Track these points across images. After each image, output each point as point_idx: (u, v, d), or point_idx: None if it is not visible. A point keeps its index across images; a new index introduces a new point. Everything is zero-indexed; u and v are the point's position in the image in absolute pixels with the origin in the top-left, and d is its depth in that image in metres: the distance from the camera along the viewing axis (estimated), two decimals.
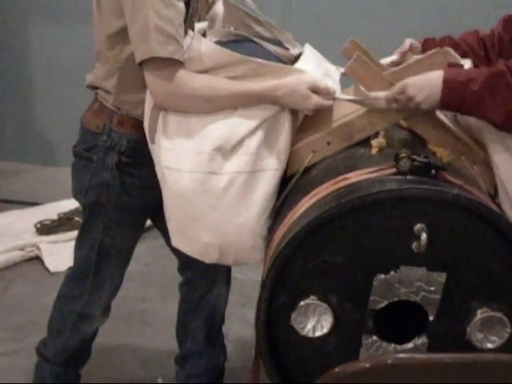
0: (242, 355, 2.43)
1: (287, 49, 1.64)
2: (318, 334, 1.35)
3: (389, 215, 1.28)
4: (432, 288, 1.31)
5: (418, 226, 1.27)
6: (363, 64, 1.58)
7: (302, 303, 1.33)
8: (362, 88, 1.58)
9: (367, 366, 1.17)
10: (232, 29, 1.62)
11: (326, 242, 1.31)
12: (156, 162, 1.56)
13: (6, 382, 2.25)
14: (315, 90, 1.50)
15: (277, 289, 1.34)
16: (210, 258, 1.55)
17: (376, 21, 3.51)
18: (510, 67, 1.37)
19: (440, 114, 1.58)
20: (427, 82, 1.43)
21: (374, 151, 1.45)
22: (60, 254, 3.11)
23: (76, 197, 1.78)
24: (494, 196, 1.52)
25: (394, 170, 1.33)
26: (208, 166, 1.46)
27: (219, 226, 1.49)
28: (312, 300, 1.33)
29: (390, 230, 1.28)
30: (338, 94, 1.56)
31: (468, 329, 1.33)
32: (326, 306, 1.33)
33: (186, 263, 1.92)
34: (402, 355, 1.22)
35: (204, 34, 1.65)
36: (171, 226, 1.58)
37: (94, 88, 1.70)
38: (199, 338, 1.99)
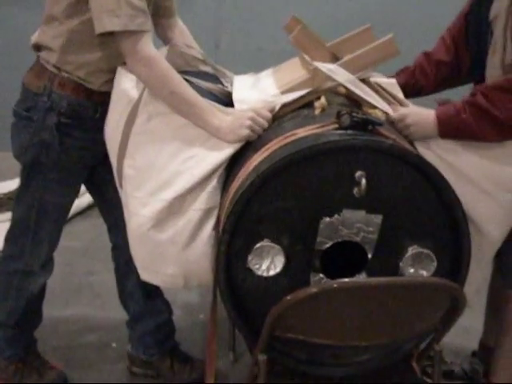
0: (191, 318, 2.57)
1: (225, 86, 1.79)
2: (271, 273, 1.50)
3: (332, 164, 1.45)
4: (370, 229, 1.49)
5: (358, 173, 1.44)
6: (307, 35, 1.75)
7: (257, 245, 1.48)
8: (306, 58, 1.75)
9: (315, 290, 1.34)
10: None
11: (278, 189, 1.46)
12: (123, 205, 1.72)
13: None
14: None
15: (235, 233, 1.48)
16: (176, 285, 1.74)
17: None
18: (484, 93, 1.58)
19: (372, 80, 1.78)
20: (424, 119, 1.63)
21: (317, 111, 1.62)
22: (1, 233, 3.13)
23: (16, 156, 1.86)
24: None
25: (336, 125, 1.50)
26: (169, 210, 1.62)
27: (180, 259, 1.66)
28: (266, 242, 1.48)
29: (334, 177, 1.46)
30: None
31: (401, 264, 1.52)
32: (278, 247, 1.48)
33: (112, 227, 2.06)
34: (346, 279, 1.39)
35: None
36: (137, 263, 1.75)
37: (37, 49, 1.78)
38: (138, 298, 2.10)
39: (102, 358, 2.32)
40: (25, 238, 1.92)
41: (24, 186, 1.87)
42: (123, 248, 1.88)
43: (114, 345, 2.39)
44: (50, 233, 1.93)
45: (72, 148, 1.78)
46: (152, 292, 2.07)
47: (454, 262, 1.54)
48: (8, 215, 3.25)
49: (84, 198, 3.42)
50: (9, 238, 1.98)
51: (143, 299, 2.10)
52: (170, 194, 1.61)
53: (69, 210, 1.98)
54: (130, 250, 1.75)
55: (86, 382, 2.17)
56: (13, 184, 3.51)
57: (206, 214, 1.64)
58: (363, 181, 1.43)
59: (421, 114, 1.66)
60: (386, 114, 1.67)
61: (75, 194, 1.94)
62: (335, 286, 1.38)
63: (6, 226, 3.16)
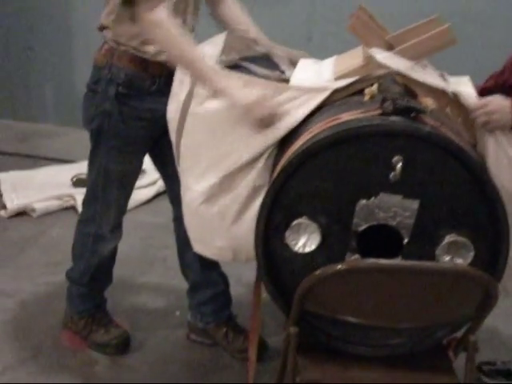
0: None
1: (283, 72, 1.87)
2: (307, 250, 1.57)
3: (371, 147, 1.49)
4: (407, 213, 1.52)
5: (395, 158, 1.48)
6: (365, 24, 1.79)
7: (295, 222, 1.55)
8: (363, 46, 1.79)
9: (344, 267, 1.40)
10: (223, 57, 1.88)
11: (317, 168, 1.52)
12: (180, 181, 1.84)
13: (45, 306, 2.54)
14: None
15: (274, 209, 1.56)
16: (225, 258, 1.84)
17: None
18: None
19: (431, 70, 1.78)
20: (506, 107, 1.64)
21: (366, 98, 1.66)
22: None
23: (85, 125, 2.04)
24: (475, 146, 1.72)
25: (379, 111, 1.54)
26: (219, 186, 1.73)
27: (229, 233, 1.76)
28: (304, 219, 1.55)
29: (372, 160, 1.50)
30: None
31: (437, 251, 1.53)
32: (315, 225, 1.55)
33: (173, 200, 2.17)
34: (374, 260, 1.43)
35: None
36: (191, 235, 1.88)
37: (101, 29, 1.97)
38: (196, 269, 2.24)
39: (165, 324, 2.48)
40: (95, 202, 2.10)
41: (92, 153, 2.06)
42: (183, 220, 1.99)
43: (177, 313, 2.54)
44: (116, 199, 2.10)
45: (130, 117, 1.94)
46: (209, 264, 2.18)
47: (493, 254, 1.53)
48: None
49: None
50: (84, 202, 2.20)
51: (201, 270, 2.23)
52: (220, 172, 1.71)
53: (133, 178, 2.12)
54: (185, 223, 1.87)
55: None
56: None
57: (255, 191, 1.72)
58: (399, 165, 1.46)
59: (503, 101, 1.65)
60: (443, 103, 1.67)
61: (137, 163, 2.09)
62: (364, 265, 1.42)
63: None
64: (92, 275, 2.23)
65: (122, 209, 2.17)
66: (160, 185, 3.58)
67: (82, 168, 3.68)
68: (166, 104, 1.86)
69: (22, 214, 3.32)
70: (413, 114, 1.51)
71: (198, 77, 1.73)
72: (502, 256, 1.51)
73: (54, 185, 3.52)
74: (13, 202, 3.31)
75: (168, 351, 2.32)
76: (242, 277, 2.72)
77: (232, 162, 1.71)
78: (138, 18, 1.77)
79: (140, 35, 1.86)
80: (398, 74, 1.72)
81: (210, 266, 2.22)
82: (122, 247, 3.00)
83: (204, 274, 2.25)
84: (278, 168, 1.61)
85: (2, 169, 3.71)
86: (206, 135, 1.73)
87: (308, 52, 2.01)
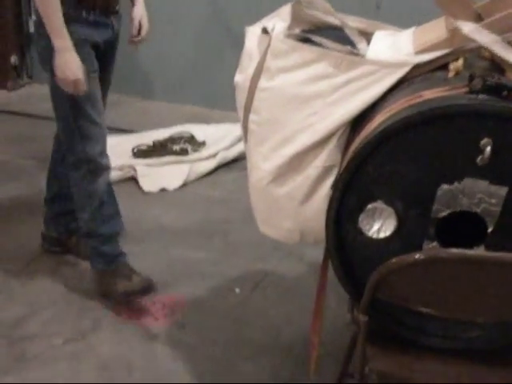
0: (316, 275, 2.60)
1: (355, 47, 1.76)
2: (382, 235, 1.48)
3: (457, 129, 1.38)
4: (493, 200, 1.40)
5: (484, 141, 1.36)
6: None
7: (369, 206, 1.46)
8: (448, 18, 1.66)
9: (422, 257, 1.30)
10: (297, 30, 1.81)
11: (396, 150, 1.42)
12: (247, 158, 1.79)
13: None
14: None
15: (348, 191, 1.47)
16: (293, 240, 1.78)
17: None
18: None
19: None
20: None
21: (450, 74, 1.54)
22: (153, 176, 3.37)
23: (41, 63, 2.22)
24: None
25: (466, 89, 1.42)
26: (288, 165, 1.65)
27: (297, 214, 1.69)
28: (379, 204, 1.46)
29: (458, 142, 1.39)
30: None
31: None
32: (391, 210, 1.45)
33: None
34: (457, 250, 1.33)
35: None
36: (257, 215, 1.81)
37: None
38: (63, 183, 2.43)
39: (224, 302, 2.43)
40: (73, 135, 2.23)
41: (52, 90, 2.20)
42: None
43: (237, 290, 2.49)
44: (87, 128, 2.21)
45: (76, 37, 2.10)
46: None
47: None
48: (160, 160, 3.50)
49: (230, 152, 3.58)
50: (65, 144, 2.29)
51: (66, 184, 2.39)
52: (290, 150, 1.63)
53: (92, 97, 2.20)
54: (251, 203, 1.80)
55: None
56: (167, 132, 3.74)
57: (326, 171, 1.64)
58: (488, 149, 1.35)
59: None
60: None
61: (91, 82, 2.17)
62: (445, 255, 1.32)
63: (157, 169, 3.44)
64: (99, 223, 2.33)
65: (101, 129, 2.27)
66: (221, 157, 3.53)
67: (142, 139, 3.68)
68: (102, 33, 2.19)
69: None
70: (504, 93, 1.39)
71: (51, 30, 2.03)
72: None
73: (114, 155, 3.50)
74: None
75: (226, 329, 2.28)
76: (304, 256, 2.66)
77: (303, 140, 1.62)
78: None
79: None
80: (486, 48, 1.58)
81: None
82: (181, 221, 3.01)
83: (67, 188, 2.38)
84: (353, 148, 1.52)
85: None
86: (277, 111, 1.65)
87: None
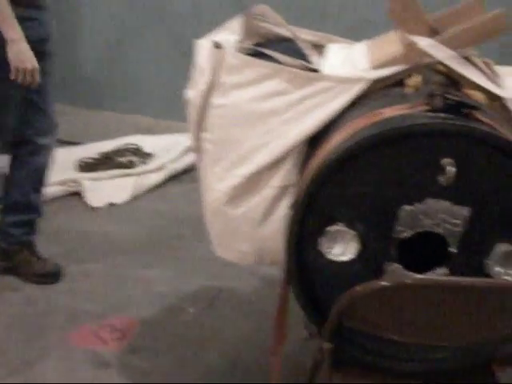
0: (270, 290, 2.53)
1: (306, 58, 1.71)
2: (343, 258, 1.43)
3: (419, 148, 1.34)
4: (455, 221, 1.37)
5: (445, 160, 1.33)
6: (405, 6, 1.63)
7: (330, 229, 1.41)
8: (403, 31, 1.63)
9: (388, 284, 1.26)
10: (248, 43, 1.76)
11: (357, 171, 1.38)
12: (201, 178, 1.71)
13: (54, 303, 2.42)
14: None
15: (307, 213, 1.42)
16: (249, 262, 1.73)
17: None
18: None
19: (477, 60, 1.62)
20: None
21: (408, 90, 1.50)
22: (100, 191, 3.25)
23: None
24: None
25: (426, 106, 1.38)
26: (244, 186, 1.60)
27: (254, 236, 1.64)
28: (340, 226, 1.41)
29: (419, 163, 1.35)
30: None
31: (487, 262, 1.39)
32: (353, 232, 1.40)
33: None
34: (420, 276, 1.29)
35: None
36: (212, 237, 1.75)
37: None
38: (23, 191, 2.46)
39: (176, 322, 2.34)
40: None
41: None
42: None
43: (190, 310, 2.41)
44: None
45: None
46: (34, 189, 2.48)
47: None
48: (107, 173, 3.38)
49: (178, 163, 3.49)
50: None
51: (26, 193, 2.46)
52: (246, 169, 1.57)
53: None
54: (206, 224, 1.73)
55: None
56: (114, 144, 3.62)
57: (282, 191, 1.59)
58: (451, 169, 1.31)
59: None
60: (492, 96, 1.53)
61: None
62: (409, 281, 1.28)
63: (104, 183, 3.32)
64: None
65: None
66: (169, 169, 3.44)
67: (88, 151, 3.55)
68: (34, 29, 2.20)
69: None
70: (465, 111, 1.36)
71: (3, 22, 2.09)
72: None
73: (57, 169, 3.36)
74: None
75: (181, 352, 2.19)
76: (258, 271, 2.59)
77: (259, 160, 1.56)
78: None
79: None
80: (442, 64, 1.56)
81: (35, 191, 2.47)
82: (131, 237, 2.90)
83: (27, 198, 2.45)
84: (311, 168, 1.46)
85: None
86: (231, 129, 1.59)
87: (322, 31, 1.86)
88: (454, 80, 1.59)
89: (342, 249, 1.42)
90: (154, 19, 4.13)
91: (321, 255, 1.44)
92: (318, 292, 1.49)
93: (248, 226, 1.62)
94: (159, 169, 3.47)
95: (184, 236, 2.91)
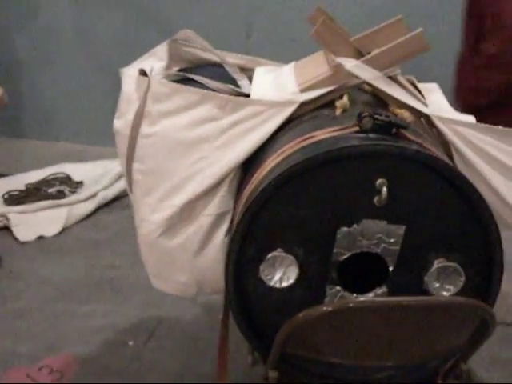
0: (210, 317, 2.49)
1: (235, 82, 1.72)
2: (284, 284, 1.41)
3: (351, 170, 1.35)
4: (392, 240, 1.38)
5: (379, 181, 1.33)
6: (329, 28, 1.64)
7: (269, 255, 1.39)
8: (328, 53, 1.64)
9: (330, 309, 1.25)
10: (175, 70, 1.75)
11: (292, 196, 1.37)
12: (134, 210, 1.65)
13: None
14: None
15: (245, 241, 1.40)
16: (189, 294, 1.68)
17: None
18: None
19: (401, 78, 1.65)
20: None
21: (338, 112, 1.51)
22: (28, 224, 3.12)
23: None
24: (451, 157, 1.61)
25: (356, 128, 1.39)
26: (179, 216, 1.55)
27: (192, 266, 1.60)
28: (279, 252, 1.39)
29: (353, 184, 1.35)
30: None
31: (425, 278, 1.40)
32: (292, 257, 1.39)
33: None
34: (362, 299, 1.29)
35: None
36: (148, 270, 1.69)
37: None
38: None
39: (117, 357, 2.27)
40: None
41: None
42: None
43: (130, 343, 2.34)
44: None
45: None
46: None
47: (485, 276, 1.42)
48: (35, 205, 3.26)
49: (110, 190, 3.40)
50: None
51: None
52: (180, 199, 1.54)
53: None
54: (141, 257, 1.68)
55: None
56: (41, 174, 3.50)
57: (218, 219, 1.56)
58: (384, 189, 1.32)
59: None
60: (417, 113, 1.56)
61: None
62: (351, 305, 1.28)
63: (32, 215, 3.19)
64: None
65: None
66: (101, 197, 3.35)
67: (12, 183, 3.41)
68: None
69: None
70: (394, 131, 1.38)
71: None
72: (495, 281, 1.40)
73: None
74: None
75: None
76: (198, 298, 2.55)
77: (193, 188, 1.53)
78: None
79: None
80: (369, 84, 1.58)
81: None
82: (64, 271, 2.80)
83: None
84: (247, 195, 1.44)
85: None
86: (162, 158, 1.55)
87: (247, 50, 1.86)
88: (381, 99, 1.61)
89: (282, 274, 1.41)
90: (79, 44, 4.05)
91: (261, 282, 1.42)
92: (260, 319, 1.47)
93: (185, 256, 1.58)
94: (91, 197, 3.36)
95: (120, 265, 2.83)
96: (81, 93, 4.09)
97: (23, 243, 3.01)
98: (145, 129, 1.56)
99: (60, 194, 3.32)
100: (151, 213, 1.57)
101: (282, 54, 2.01)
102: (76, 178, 3.44)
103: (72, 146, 4.04)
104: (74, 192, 3.36)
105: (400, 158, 1.33)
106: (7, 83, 4.12)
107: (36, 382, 2.12)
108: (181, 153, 1.54)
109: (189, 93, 1.55)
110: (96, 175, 3.49)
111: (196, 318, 2.47)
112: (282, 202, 1.37)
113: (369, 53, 1.60)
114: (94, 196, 3.35)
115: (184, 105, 1.55)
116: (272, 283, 1.41)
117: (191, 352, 2.28)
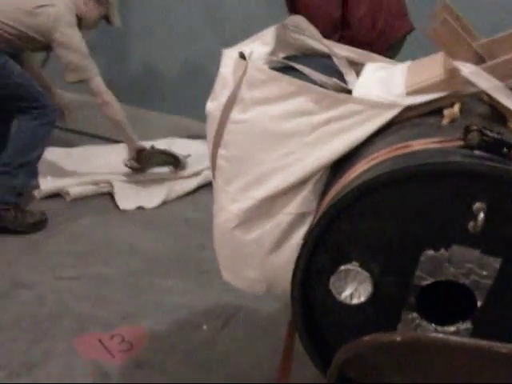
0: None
1: (341, 76, 1.61)
2: (355, 301, 1.29)
3: (446, 189, 1.19)
4: (484, 272, 1.22)
5: (477, 205, 1.17)
6: (450, 28, 1.48)
7: (342, 267, 1.28)
8: (446, 56, 1.48)
9: (398, 339, 1.12)
10: (280, 56, 1.66)
11: (376, 207, 1.24)
12: (214, 197, 1.59)
13: (62, 305, 2.35)
14: None
15: (318, 249, 1.29)
16: (258, 291, 1.60)
17: None
18: None
19: None
20: None
21: (444, 121, 1.35)
22: (131, 193, 3.19)
23: None
24: None
25: (461, 142, 1.23)
26: (258, 209, 1.47)
27: (264, 263, 1.52)
28: (353, 266, 1.27)
29: (446, 204, 1.20)
30: None
31: None
32: (367, 274, 1.27)
33: None
34: (439, 335, 1.15)
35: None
36: (220, 261, 1.64)
37: None
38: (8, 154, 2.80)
39: (188, 340, 2.24)
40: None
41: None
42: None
43: (204, 327, 2.31)
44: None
45: None
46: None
47: None
48: (139, 177, 3.30)
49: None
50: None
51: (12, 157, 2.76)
52: (260, 192, 1.45)
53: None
54: (214, 246, 1.62)
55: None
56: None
57: (298, 219, 1.46)
58: (481, 215, 1.16)
59: None
60: None
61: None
62: (423, 339, 1.14)
63: (135, 187, 3.24)
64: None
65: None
66: (204, 176, 3.34)
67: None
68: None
69: (55, 195, 3.15)
70: (504, 151, 1.21)
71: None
72: None
73: (92, 167, 3.33)
74: (47, 184, 3.13)
75: (186, 374, 2.09)
76: (262, 309, 2.45)
77: (276, 183, 1.44)
78: None
79: None
80: (487, 94, 1.41)
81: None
82: (155, 244, 2.82)
83: (15, 159, 2.76)
84: (328, 199, 1.33)
85: None
86: (248, 147, 1.47)
87: None
88: (500, 113, 1.43)
89: (353, 290, 1.29)
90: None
91: (330, 295, 1.31)
92: (324, 334, 1.36)
93: (258, 253, 1.50)
94: (194, 175, 3.37)
95: (208, 247, 2.79)
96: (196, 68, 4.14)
97: (122, 211, 3.07)
98: (235, 114, 1.49)
99: (167, 166, 3.35)
100: (230, 202, 1.50)
101: None
102: (182, 153, 3.46)
103: (183, 121, 4.07)
104: (181, 168, 3.37)
105: (505, 183, 1.16)
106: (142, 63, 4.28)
107: (106, 348, 2.14)
108: (268, 144, 1.45)
109: (285, 82, 1.45)
110: (202, 154, 3.49)
111: (274, 312, 2.39)
112: (363, 212, 1.25)
113: (490, 60, 1.43)
114: (197, 174, 3.36)
115: (279, 94, 1.45)
116: (341, 298, 1.30)
117: (261, 348, 2.21)
